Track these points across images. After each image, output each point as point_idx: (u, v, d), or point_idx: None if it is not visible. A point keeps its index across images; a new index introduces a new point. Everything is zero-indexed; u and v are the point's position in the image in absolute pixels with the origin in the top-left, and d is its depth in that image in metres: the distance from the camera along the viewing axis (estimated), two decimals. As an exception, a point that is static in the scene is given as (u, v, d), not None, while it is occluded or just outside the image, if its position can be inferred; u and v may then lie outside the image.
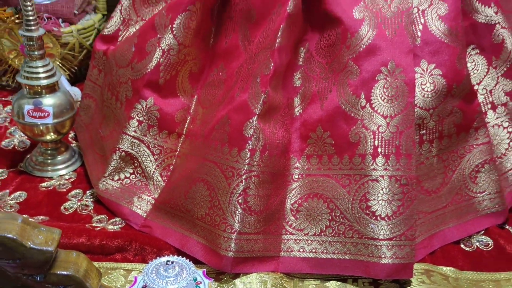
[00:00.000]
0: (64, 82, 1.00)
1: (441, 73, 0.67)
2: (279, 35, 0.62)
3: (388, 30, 0.64)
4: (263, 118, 0.62)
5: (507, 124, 0.79)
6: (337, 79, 0.65)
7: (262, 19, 0.67)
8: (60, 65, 1.00)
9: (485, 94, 0.78)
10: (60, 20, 0.99)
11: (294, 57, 0.69)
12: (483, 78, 0.78)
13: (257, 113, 0.61)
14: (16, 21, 0.93)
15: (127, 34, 0.79)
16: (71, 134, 0.89)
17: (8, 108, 0.96)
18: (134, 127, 0.72)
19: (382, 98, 0.63)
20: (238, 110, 0.63)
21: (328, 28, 0.67)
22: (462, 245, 0.71)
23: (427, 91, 0.66)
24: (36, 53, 0.73)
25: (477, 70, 0.78)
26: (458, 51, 0.68)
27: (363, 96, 0.63)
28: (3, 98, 1.00)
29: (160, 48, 0.69)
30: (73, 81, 1.05)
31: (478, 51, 0.77)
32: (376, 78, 0.63)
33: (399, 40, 0.64)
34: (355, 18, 0.64)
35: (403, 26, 0.64)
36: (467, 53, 0.78)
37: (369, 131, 0.63)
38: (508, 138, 0.79)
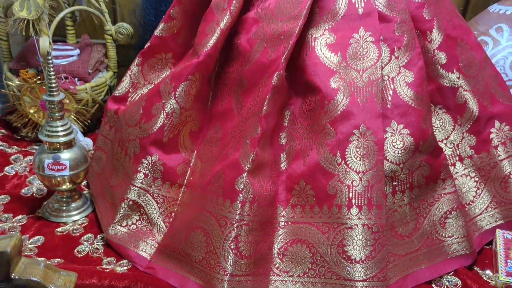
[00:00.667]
0: (78, 134, 1.11)
1: (409, 132, 0.77)
2: (265, 103, 0.72)
3: (360, 98, 0.74)
4: (252, 174, 0.72)
5: (473, 174, 0.88)
6: (317, 139, 0.76)
7: (252, 87, 0.78)
8: (75, 118, 1.11)
9: (453, 148, 0.88)
10: (76, 79, 1.11)
11: (280, 118, 0.79)
12: (450, 134, 0.88)
13: (247, 170, 0.71)
14: (38, 82, 1.05)
15: (135, 96, 0.90)
16: (84, 182, 0.99)
17: (28, 158, 1.06)
18: (141, 179, 0.82)
19: (355, 156, 0.73)
20: (231, 167, 0.73)
21: (309, 95, 0.77)
22: (433, 285, 0.79)
23: (397, 148, 0.76)
24: (57, 114, 0.84)
25: (445, 127, 0.88)
26: (424, 113, 0.79)
27: (339, 154, 0.73)
28: (23, 149, 1.11)
29: (164, 111, 0.80)
30: (86, 131, 1.16)
31: (445, 110, 0.88)
32: (349, 139, 0.73)
33: (369, 106, 0.74)
34: (332, 87, 0.75)
35: (373, 94, 0.75)
36: (436, 112, 0.88)
37: (344, 185, 0.73)
38: (475, 187, 0.89)
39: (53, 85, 0.82)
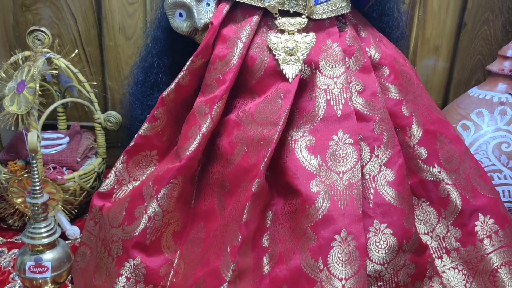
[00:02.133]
0: (65, 222, 1.11)
1: (392, 232, 0.77)
2: (245, 211, 0.72)
3: (340, 202, 0.75)
4: (234, 283, 0.71)
5: (461, 267, 0.87)
6: (299, 243, 0.75)
7: (234, 189, 0.79)
8: (62, 207, 1.10)
9: (439, 241, 0.88)
10: (64, 168, 1.12)
11: (262, 220, 0.79)
12: (435, 226, 0.88)
13: (227, 280, 0.70)
14: (25, 175, 1.05)
15: (120, 193, 0.91)
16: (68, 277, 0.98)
17: (13, 252, 1.05)
18: (123, 283, 0.81)
19: (337, 262, 0.72)
20: (212, 275, 0.72)
21: (290, 197, 0.78)
22: None
23: (381, 248, 0.76)
24: (40, 216, 0.84)
25: (429, 220, 0.88)
26: (406, 212, 0.79)
27: (321, 260, 0.73)
28: (9, 240, 1.10)
29: (146, 214, 0.80)
30: (73, 218, 1.15)
31: (428, 203, 0.88)
32: (331, 245, 0.73)
33: (350, 211, 0.74)
34: (312, 191, 0.75)
35: (353, 197, 0.75)
36: (419, 205, 0.89)
37: (327, 292, 0.71)
38: (464, 280, 0.87)
39: (37, 187, 0.83)
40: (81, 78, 1.14)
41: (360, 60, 0.85)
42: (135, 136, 0.89)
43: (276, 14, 0.81)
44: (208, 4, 0.90)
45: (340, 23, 0.87)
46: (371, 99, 0.84)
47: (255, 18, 0.82)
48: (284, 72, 0.79)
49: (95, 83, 1.24)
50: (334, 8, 0.83)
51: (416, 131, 0.87)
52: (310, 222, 0.75)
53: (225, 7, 0.83)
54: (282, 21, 0.81)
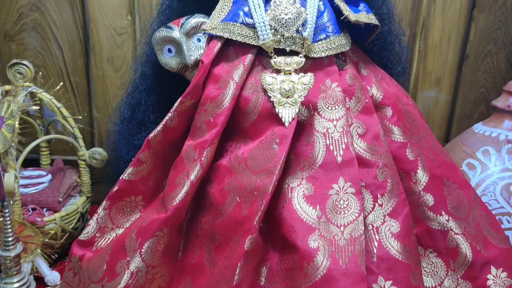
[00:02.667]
0: (44, 268, 1.03)
1: (397, 290, 0.70)
2: (237, 272, 0.65)
3: (341, 259, 0.68)
4: None
5: (474, 324, 0.80)
6: (296, 305, 0.68)
7: (225, 243, 0.72)
8: (41, 252, 1.03)
9: (448, 296, 0.81)
10: (45, 209, 1.04)
11: (256, 276, 0.72)
12: (443, 280, 0.81)
13: None
14: (1, 219, 0.98)
15: (102, 241, 0.84)
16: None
17: (-15, 302, 0.97)
18: None
19: (339, 329, 0.65)
20: None
21: (286, 252, 0.71)
22: None
23: (386, 308, 0.69)
24: (12, 270, 0.77)
25: (437, 272, 0.81)
26: (412, 268, 0.72)
27: (321, 326, 0.65)
28: (-18, 287, 1.02)
29: (129, 270, 0.73)
30: (54, 261, 1.07)
31: (436, 254, 0.82)
32: (332, 309, 0.66)
33: (352, 269, 0.67)
34: (311, 247, 0.69)
35: (356, 254, 0.68)
36: (426, 256, 0.82)
37: None
38: None
39: (9, 239, 0.75)
40: (65, 113, 1.08)
41: (361, 101, 0.80)
42: (119, 180, 0.82)
43: (271, 52, 0.75)
44: (199, 40, 0.85)
45: (340, 61, 0.82)
46: (373, 142, 0.78)
47: (249, 57, 0.76)
48: (280, 115, 0.73)
49: (80, 117, 1.17)
50: (334, 46, 0.78)
51: (421, 177, 0.80)
52: (308, 281, 0.67)
53: (217, 45, 0.77)
54: (278, 61, 0.75)
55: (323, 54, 0.77)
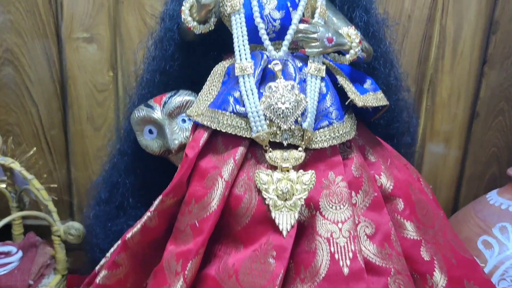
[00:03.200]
0: None
1: None
2: None
3: None
4: None
5: None
6: None
7: None
8: None
9: None
10: (12, 295, 0.93)
11: None
12: None
13: None
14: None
15: None
16: None
17: None
18: None
19: None
20: None
21: None
22: None
23: None
24: None
25: None
26: None
27: None
28: None
29: None
30: None
31: None
32: None
33: None
34: None
35: None
36: None
37: None
38: None
39: None
40: (37, 185, 0.97)
41: (369, 194, 0.70)
42: (93, 284, 0.72)
43: (266, 146, 0.65)
44: (183, 121, 0.74)
45: (344, 147, 0.72)
46: (383, 244, 0.68)
47: (240, 150, 0.66)
48: (276, 221, 0.62)
49: (56, 185, 1.07)
50: (337, 135, 0.68)
51: (439, 279, 0.70)
52: None
53: (203, 136, 0.67)
54: (273, 155, 0.65)
55: (325, 145, 0.67)
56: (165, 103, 0.73)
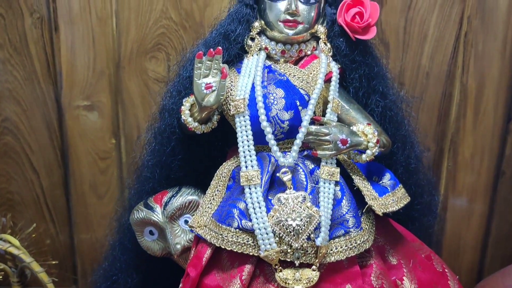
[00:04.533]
0: None
1: None
2: None
3: None
4: None
5: None
6: None
7: None
8: None
9: None
10: None
11: None
12: None
13: None
14: None
15: None
16: None
17: None
18: None
19: None
20: None
21: None
22: None
23: None
24: None
25: None
26: None
27: None
28: None
29: None
30: None
31: None
32: None
33: None
34: None
35: None
36: None
37: None
38: None
39: None
40: (36, 268, 0.92)
41: (391, 305, 0.63)
42: None
43: (276, 265, 0.59)
44: (186, 221, 0.69)
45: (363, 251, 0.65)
46: None
47: (247, 268, 0.60)
48: None
49: (57, 262, 1.02)
50: (355, 245, 0.61)
51: None
52: None
53: (207, 251, 0.61)
54: (284, 276, 0.58)
55: (342, 256, 0.61)
56: (165, 204, 0.67)
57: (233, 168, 0.65)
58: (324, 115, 0.66)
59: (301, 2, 0.64)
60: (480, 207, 1.11)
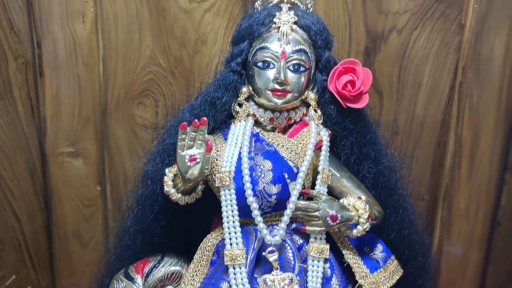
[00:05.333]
0: None
1: None
2: None
3: None
4: None
5: None
6: None
7: None
8: None
9: None
10: None
11: None
12: None
13: None
14: None
15: None
16: None
17: None
18: None
19: None
20: None
21: None
22: None
23: None
24: None
25: None
26: None
27: None
28: None
29: None
30: None
31: None
32: None
33: None
34: None
35: None
36: None
37: None
38: None
39: None
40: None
41: None
42: None
43: None
44: (169, 293, 0.65)
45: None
46: None
47: None
48: None
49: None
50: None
51: None
52: None
53: None
54: None
55: None
56: (147, 274, 0.64)
57: (217, 242, 0.62)
58: (314, 184, 0.63)
59: (290, 70, 0.62)
60: (475, 257, 1.08)
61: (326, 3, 0.93)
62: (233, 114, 0.65)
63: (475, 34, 0.94)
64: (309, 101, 0.65)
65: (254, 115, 0.65)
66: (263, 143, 0.63)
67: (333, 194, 0.64)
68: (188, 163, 0.58)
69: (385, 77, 0.97)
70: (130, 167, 1.02)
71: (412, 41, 0.95)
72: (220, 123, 0.64)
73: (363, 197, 0.63)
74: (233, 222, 0.58)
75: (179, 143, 0.58)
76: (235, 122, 0.65)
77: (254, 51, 0.62)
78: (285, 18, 0.61)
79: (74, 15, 0.92)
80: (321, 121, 0.64)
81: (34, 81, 0.96)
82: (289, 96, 0.62)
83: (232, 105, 0.64)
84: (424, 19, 0.94)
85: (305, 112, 0.66)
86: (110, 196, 1.03)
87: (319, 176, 0.62)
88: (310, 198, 0.61)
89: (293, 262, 0.58)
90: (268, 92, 0.62)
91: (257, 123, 0.65)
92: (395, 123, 1.00)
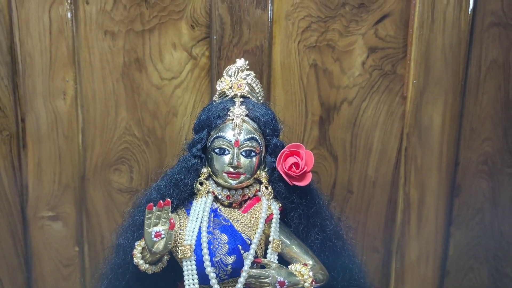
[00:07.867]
0: None
1: None
2: None
3: None
4: None
5: None
6: None
7: None
8: None
9: None
10: None
11: None
12: None
13: None
14: None
15: None
16: None
17: None
18: None
19: None
20: None
21: None
22: None
23: None
24: None
25: None
26: None
27: None
28: None
29: None
30: None
31: None
32: None
33: None
34: None
35: None
36: None
37: None
38: None
39: None
40: None
41: None
42: None
43: None
44: None
45: None
46: None
47: None
48: None
49: None
50: None
51: None
52: None
53: None
54: None
55: None
56: (119, 337, 0.71)
57: (181, 307, 0.70)
58: (266, 252, 0.72)
59: (243, 155, 0.72)
60: (428, 305, 1.17)
61: (283, 79, 1.04)
62: (195, 191, 0.75)
63: (416, 105, 1.06)
64: (261, 179, 0.75)
65: (213, 192, 0.74)
66: (221, 218, 0.72)
67: (285, 259, 0.73)
68: (154, 239, 0.66)
69: (339, 143, 1.08)
70: (107, 227, 1.09)
71: (361, 111, 1.07)
72: (183, 200, 0.73)
73: (310, 262, 0.72)
74: (194, 289, 0.67)
75: (146, 221, 0.67)
76: (197, 198, 0.74)
77: (212, 139, 0.72)
78: (238, 111, 0.72)
79: (56, 93, 1.01)
80: (271, 196, 0.74)
81: (17, 151, 1.04)
82: (242, 177, 0.72)
83: (194, 183, 0.74)
84: (371, 92, 1.06)
85: (258, 188, 0.76)
86: (87, 256, 1.10)
87: (270, 245, 0.71)
88: (263, 266, 0.70)
89: (248, 324, 0.66)
90: (224, 174, 0.72)
91: (216, 198, 0.75)
92: (349, 183, 1.10)
